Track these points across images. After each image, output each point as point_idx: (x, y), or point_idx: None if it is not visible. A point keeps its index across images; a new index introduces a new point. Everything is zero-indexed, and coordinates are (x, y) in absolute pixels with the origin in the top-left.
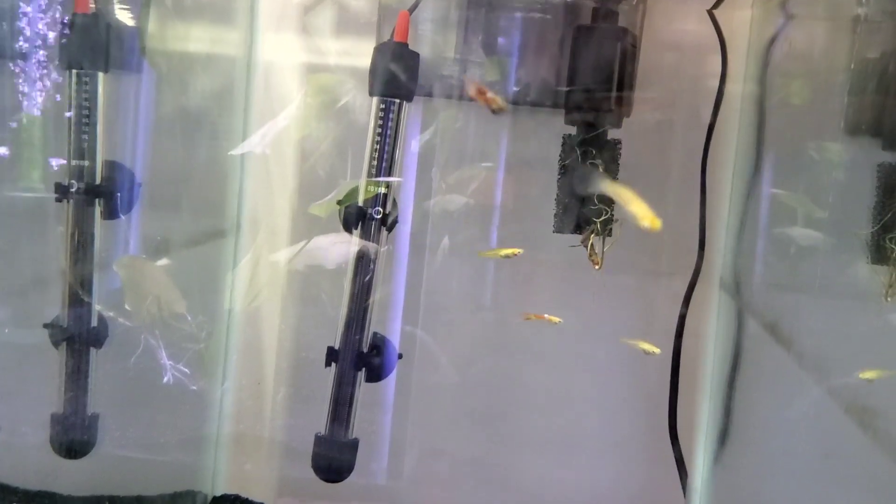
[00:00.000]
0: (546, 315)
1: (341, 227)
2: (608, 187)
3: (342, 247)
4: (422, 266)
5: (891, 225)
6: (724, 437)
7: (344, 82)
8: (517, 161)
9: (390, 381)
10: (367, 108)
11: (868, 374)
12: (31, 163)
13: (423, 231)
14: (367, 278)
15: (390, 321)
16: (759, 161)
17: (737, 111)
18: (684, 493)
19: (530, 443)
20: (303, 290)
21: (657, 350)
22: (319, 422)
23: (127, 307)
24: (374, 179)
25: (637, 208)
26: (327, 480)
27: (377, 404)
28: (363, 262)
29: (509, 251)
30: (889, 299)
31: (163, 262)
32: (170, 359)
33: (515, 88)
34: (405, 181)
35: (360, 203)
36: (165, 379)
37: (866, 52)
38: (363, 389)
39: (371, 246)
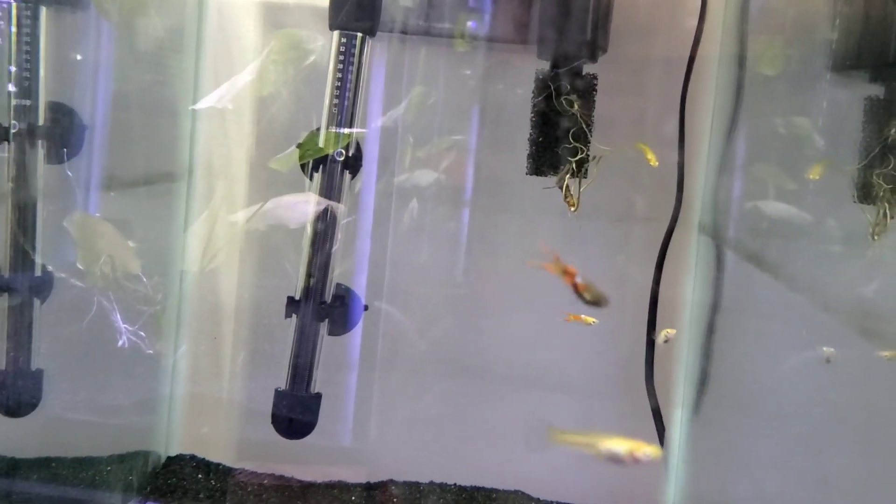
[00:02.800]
0: (582, 316)
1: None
2: None
3: (305, 206)
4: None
5: (877, 161)
6: (703, 384)
7: (314, 38)
8: (488, 102)
9: (355, 338)
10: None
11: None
12: None
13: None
14: (329, 226)
15: (357, 274)
16: (739, 99)
17: (717, 48)
18: (661, 445)
19: (503, 396)
20: (262, 248)
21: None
22: (280, 382)
23: (79, 266)
24: (337, 128)
25: None
26: (288, 437)
27: (342, 363)
28: (325, 209)
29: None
30: (876, 238)
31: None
32: (125, 321)
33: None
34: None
35: (321, 146)
36: (120, 343)
37: None
38: (328, 344)
39: (334, 204)
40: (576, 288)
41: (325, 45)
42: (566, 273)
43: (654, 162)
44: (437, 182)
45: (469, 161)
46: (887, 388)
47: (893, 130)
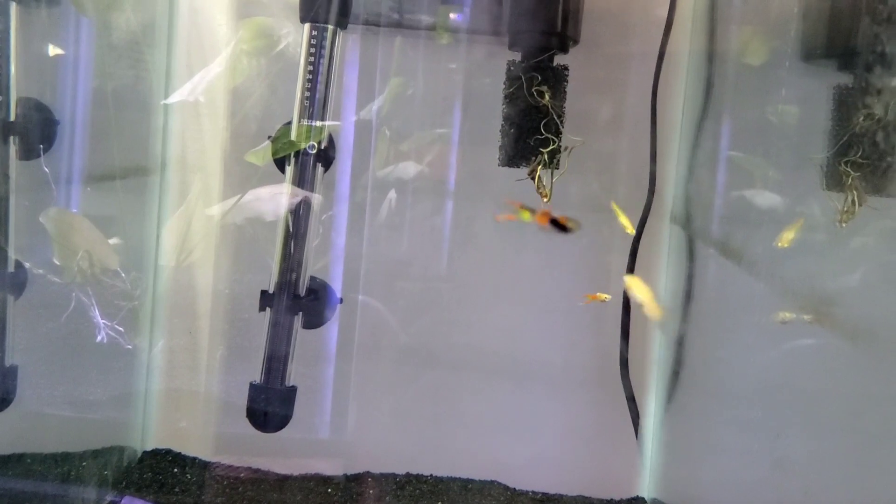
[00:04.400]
0: (599, 294)
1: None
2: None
3: (280, 198)
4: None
5: (846, 149)
6: (676, 372)
7: (282, 25)
8: (461, 92)
9: (332, 330)
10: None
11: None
12: None
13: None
14: (303, 219)
15: (332, 267)
16: (709, 91)
17: (687, 41)
18: (636, 431)
19: (478, 387)
20: (238, 243)
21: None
22: (256, 375)
23: (56, 262)
24: (310, 121)
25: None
26: (263, 430)
27: (319, 356)
28: (298, 203)
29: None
30: (843, 225)
31: (114, 240)
32: (103, 317)
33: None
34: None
35: (293, 139)
36: (99, 338)
37: None
38: (304, 337)
39: (311, 195)
40: (554, 222)
41: (294, 32)
42: (538, 215)
43: (630, 230)
44: (417, 175)
45: (447, 153)
46: (838, 374)
47: (861, 118)
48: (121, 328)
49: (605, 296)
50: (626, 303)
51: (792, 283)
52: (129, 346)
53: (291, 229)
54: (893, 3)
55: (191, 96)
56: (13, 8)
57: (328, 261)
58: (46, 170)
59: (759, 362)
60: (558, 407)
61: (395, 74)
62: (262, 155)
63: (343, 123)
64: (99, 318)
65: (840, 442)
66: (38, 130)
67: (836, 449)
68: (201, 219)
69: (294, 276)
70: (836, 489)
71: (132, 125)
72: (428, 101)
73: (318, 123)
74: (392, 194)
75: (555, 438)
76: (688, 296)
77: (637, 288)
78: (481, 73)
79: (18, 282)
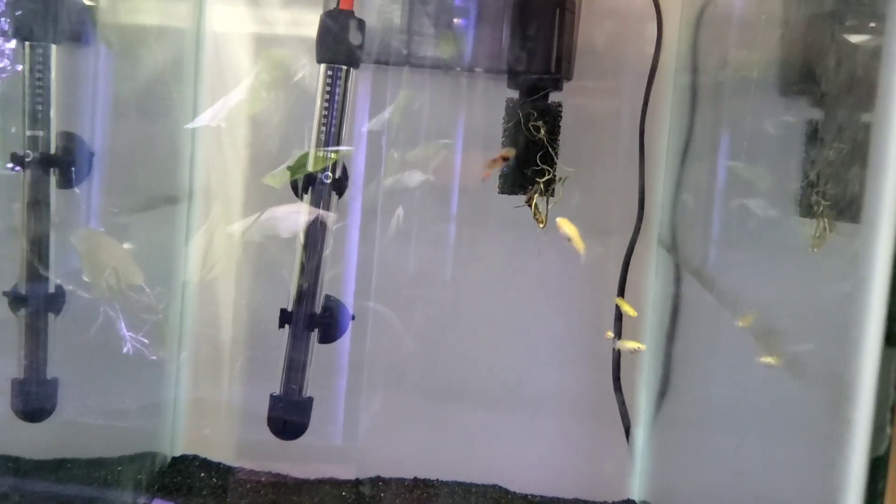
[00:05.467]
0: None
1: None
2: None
3: (297, 216)
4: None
5: (817, 179)
6: (664, 387)
7: (298, 58)
8: (464, 127)
9: (345, 345)
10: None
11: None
12: None
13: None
14: (319, 241)
15: (344, 285)
16: (692, 122)
17: (671, 76)
18: (628, 439)
19: (482, 397)
20: (258, 260)
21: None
22: (276, 386)
23: (85, 279)
24: (324, 148)
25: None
26: (282, 438)
27: (333, 369)
28: (315, 226)
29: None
30: (815, 249)
31: (127, 245)
32: (129, 330)
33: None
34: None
35: (311, 170)
36: (125, 349)
37: (795, 15)
38: (319, 351)
39: (323, 213)
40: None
41: (309, 65)
42: (497, 160)
43: (633, 313)
44: (423, 194)
45: (453, 179)
46: (792, 389)
47: (829, 152)
48: (145, 340)
49: (632, 311)
50: (619, 319)
51: (762, 307)
52: (154, 358)
53: (308, 251)
54: (852, 49)
55: (213, 121)
56: (53, 50)
57: (340, 270)
58: (80, 193)
59: (723, 378)
60: (556, 417)
61: (402, 108)
62: (279, 178)
63: (355, 149)
64: (125, 330)
65: (786, 455)
66: (76, 162)
67: (784, 461)
68: (223, 236)
69: (310, 295)
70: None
71: (161, 155)
72: (432, 132)
73: (332, 150)
74: (400, 211)
75: (552, 446)
76: (674, 315)
77: (566, 226)
78: (483, 107)
79: (58, 301)
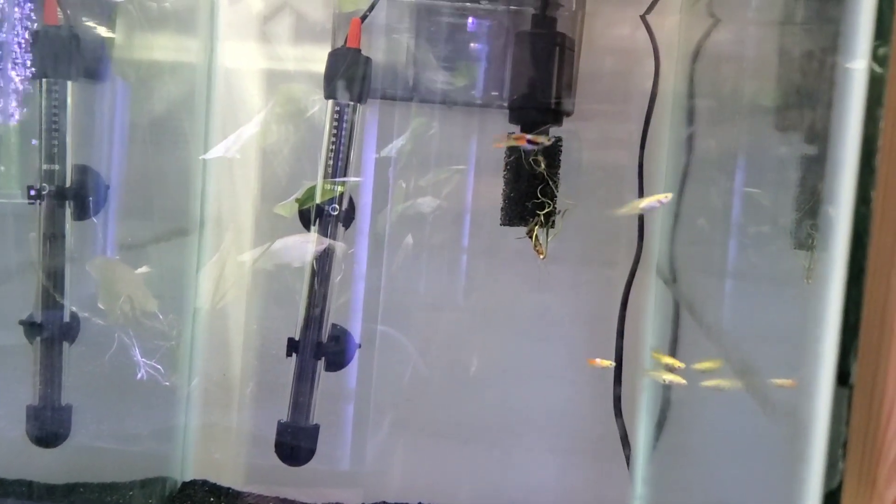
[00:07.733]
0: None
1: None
2: None
3: (306, 246)
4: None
5: (811, 212)
6: (664, 412)
7: (311, 93)
8: (468, 160)
9: (352, 372)
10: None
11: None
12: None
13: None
14: (326, 271)
15: (352, 312)
16: (689, 156)
17: (669, 111)
18: (628, 464)
19: (484, 425)
20: (268, 289)
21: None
22: (284, 412)
23: (101, 306)
24: (333, 180)
25: None
26: (289, 464)
27: (340, 396)
28: (322, 257)
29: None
30: (809, 281)
31: (142, 269)
32: (143, 356)
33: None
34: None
35: (318, 201)
36: (139, 375)
37: (789, 52)
38: (326, 379)
39: (332, 243)
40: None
41: (320, 100)
42: (517, 139)
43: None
44: (433, 220)
45: (464, 213)
46: (766, 424)
47: (820, 185)
48: (159, 366)
49: (607, 362)
50: (619, 351)
51: (748, 340)
52: (167, 384)
53: (315, 280)
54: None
55: (227, 153)
56: (69, 86)
57: (349, 296)
58: (96, 223)
59: (718, 410)
60: (559, 444)
61: (409, 141)
62: (289, 208)
63: (363, 178)
64: (139, 356)
65: (761, 487)
66: (90, 194)
67: (760, 493)
68: (234, 265)
69: (317, 324)
70: None
71: (173, 188)
72: (442, 160)
73: (340, 182)
74: (409, 240)
75: (556, 470)
76: (674, 342)
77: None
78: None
79: (73, 329)
